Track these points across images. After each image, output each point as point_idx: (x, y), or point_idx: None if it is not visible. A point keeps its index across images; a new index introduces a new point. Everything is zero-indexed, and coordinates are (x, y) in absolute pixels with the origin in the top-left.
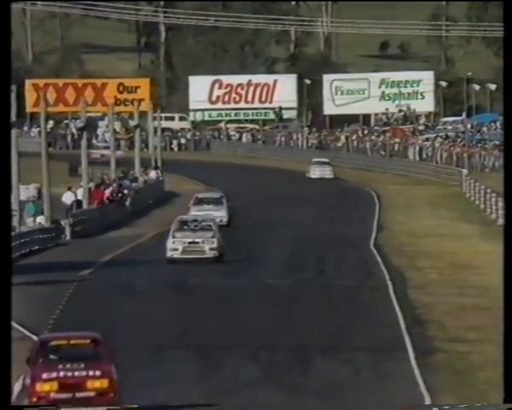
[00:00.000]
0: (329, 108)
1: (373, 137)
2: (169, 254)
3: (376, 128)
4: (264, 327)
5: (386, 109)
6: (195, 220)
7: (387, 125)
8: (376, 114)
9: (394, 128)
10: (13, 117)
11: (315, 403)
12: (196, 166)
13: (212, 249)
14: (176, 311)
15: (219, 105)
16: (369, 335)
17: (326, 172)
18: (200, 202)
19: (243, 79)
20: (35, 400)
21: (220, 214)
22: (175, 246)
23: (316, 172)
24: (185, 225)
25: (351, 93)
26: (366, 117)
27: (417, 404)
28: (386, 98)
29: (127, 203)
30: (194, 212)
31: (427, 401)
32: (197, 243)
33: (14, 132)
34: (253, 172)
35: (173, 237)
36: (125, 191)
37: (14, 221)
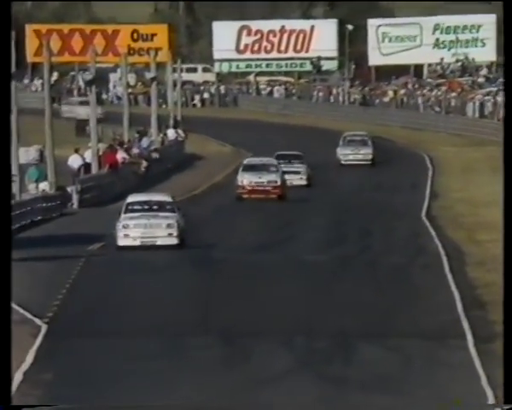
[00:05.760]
0: (375, 58)
1: (425, 92)
2: None
3: (429, 81)
4: (300, 309)
5: (441, 59)
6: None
7: (442, 78)
8: (430, 65)
9: (450, 81)
10: (11, 68)
11: (358, 397)
12: (222, 124)
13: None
14: (198, 291)
15: (248, 55)
16: (421, 319)
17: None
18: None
19: (275, 24)
20: None
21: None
22: None
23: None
24: None
25: (400, 40)
26: (418, 68)
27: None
28: (441, 46)
29: (142, 169)
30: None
31: (489, 394)
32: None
33: (12, 86)
34: (287, 131)
35: None
36: (137, 153)
37: (14, 188)
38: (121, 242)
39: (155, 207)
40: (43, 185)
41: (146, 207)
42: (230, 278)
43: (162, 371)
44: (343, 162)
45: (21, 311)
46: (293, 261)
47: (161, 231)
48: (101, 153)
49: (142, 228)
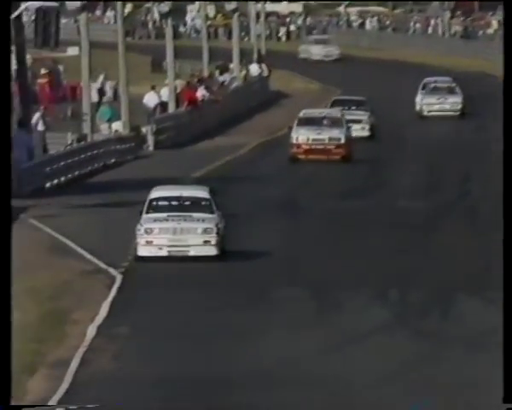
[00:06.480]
0: None
1: None
2: None
3: None
4: (394, 260)
5: None
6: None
7: None
8: None
9: None
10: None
11: (457, 353)
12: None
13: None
14: (285, 240)
15: None
16: None
17: None
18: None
19: None
20: None
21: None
22: None
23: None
24: None
25: None
26: None
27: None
28: None
29: (214, 107)
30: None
31: None
32: None
33: (84, 17)
34: (380, 67)
35: None
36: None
37: (86, 128)
38: (142, 251)
39: (187, 203)
40: (117, 125)
41: (175, 204)
42: (319, 227)
43: (248, 325)
44: (426, 114)
45: (95, 260)
46: (386, 208)
47: (196, 237)
48: (178, 90)
49: (170, 234)
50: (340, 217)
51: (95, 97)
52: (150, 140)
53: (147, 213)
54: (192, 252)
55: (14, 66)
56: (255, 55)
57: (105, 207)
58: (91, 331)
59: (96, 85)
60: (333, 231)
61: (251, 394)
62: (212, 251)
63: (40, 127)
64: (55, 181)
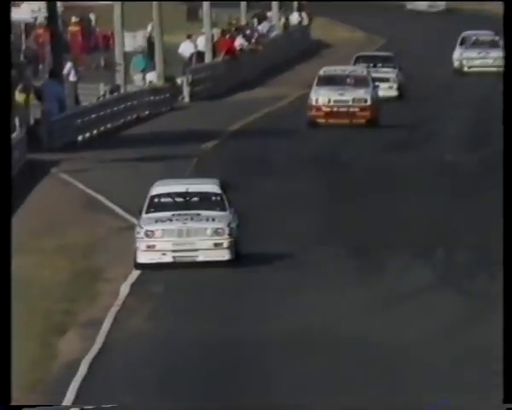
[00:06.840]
0: None
1: None
2: None
3: None
4: (439, 218)
5: None
6: None
7: None
8: None
9: None
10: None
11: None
12: (353, 6)
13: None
14: (325, 195)
15: None
16: None
17: None
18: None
19: None
20: None
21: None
22: None
23: None
24: None
25: None
26: None
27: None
28: None
29: (253, 57)
30: None
31: None
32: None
33: None
34: (436, 18)
35: None
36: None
37: (119, 79)
38: (142, 257)
39: (195, 200)
40: (151, 76)
41: (180, 200)
42: (360, 182)
43: (285, 286)
44: (466, 70)
45: (128, 217)
46: (432, 163)
47: (205, 240)
48: (215, 39)
49: (174, 236)
50: (382, 172)
51: (129, 47)
52: (186, 91)
53: (147, 212)
54: (201, 257)
55: (44, 14)
56: (295, 3)
57: (139, 161)
58: (124, 290)
59: (144, 34)
60: (374, 187)
61: (287, 355)
62: (223, 255)
63: (72, 77)
64: (88, 134)
